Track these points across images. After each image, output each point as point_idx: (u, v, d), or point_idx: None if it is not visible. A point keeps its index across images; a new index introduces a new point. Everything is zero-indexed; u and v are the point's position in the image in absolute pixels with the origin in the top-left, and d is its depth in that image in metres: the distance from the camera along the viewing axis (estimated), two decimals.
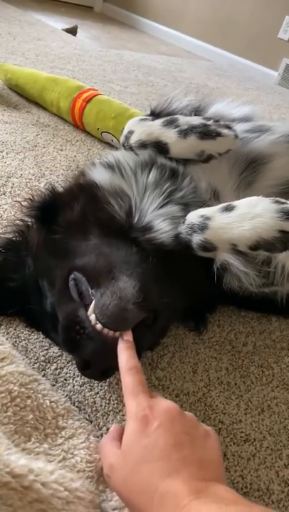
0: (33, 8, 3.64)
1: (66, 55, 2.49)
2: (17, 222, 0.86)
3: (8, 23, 2.85)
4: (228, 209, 0.72)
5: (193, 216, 0.75)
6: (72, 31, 3.19)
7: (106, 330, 0.63)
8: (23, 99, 1.71)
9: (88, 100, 1.53)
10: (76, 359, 0.69)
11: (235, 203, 0.72)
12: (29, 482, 0.45)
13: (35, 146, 1.41)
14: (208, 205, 0.77)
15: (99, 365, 0.65)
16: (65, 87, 1.59)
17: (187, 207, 0.80)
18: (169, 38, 4.31)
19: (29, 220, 0.85)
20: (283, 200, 0.68)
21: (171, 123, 0.85)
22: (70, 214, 0.81)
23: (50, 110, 1.65)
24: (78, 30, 3.29)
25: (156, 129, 0.85)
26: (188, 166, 0.85)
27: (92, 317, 0.64)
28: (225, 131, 0.82)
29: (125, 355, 0.61)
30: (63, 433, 0.62)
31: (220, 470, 0.53)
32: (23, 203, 0.87)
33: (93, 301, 0.65)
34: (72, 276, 0.71)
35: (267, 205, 0.68)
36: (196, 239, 0.73)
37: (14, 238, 0.84)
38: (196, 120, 0.84)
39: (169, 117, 0.86)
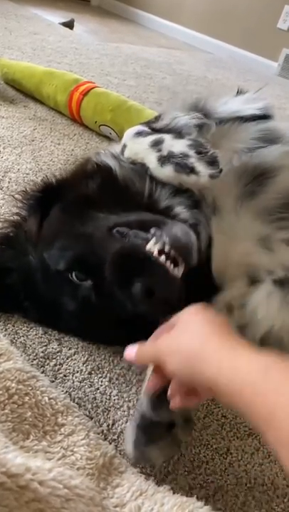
0: (29, 3, 3.60)
1: (63, 49, 2.46)
2: (12, 217, 0.85)
3: (4, 17, 2.83)
4: None
5: None
6: (69, 25, 3.16)
7: (168, 262, 0.65)
8: (20, 93, 1.69)
9: (85, 93, 1.51)
10: (140, 286, 0.65)
11: None
12: (26, 481, 0.44)
13: (33, 141, 1.39)
14: (205, 215, 0.78)
15: (163, 293, 0.65)
16: (61, 80, 1.57)
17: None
18: (168, 30, 4.27)
19: (24, 212, 0.84)
20: None
21: (156, 144, 0.79)
22: (85, 189, 0.82)
23: (47, 104, 1.63)
24: (75, 24, 3.25)
25: (143, 149, 0.80)
26: None
27: (156, 251, 0.65)
28: (201, 168, 0.75)
29: None
30: (62, 430, 0.61)
31: None
32: (16, 197, 0.85)
33: (153, 238, 0.67)
34: (115, 230, 0.72)
35: None
36: None
37: (11, 233, 0.83)
38: (178, 147, 0.77)
39: (157, 137, 0.80)
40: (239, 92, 0.93)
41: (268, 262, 0.76)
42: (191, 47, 3.91)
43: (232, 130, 0.85)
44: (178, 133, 0.81)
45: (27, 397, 0.61)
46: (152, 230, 0.70)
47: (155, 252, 0.65)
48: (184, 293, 0.71)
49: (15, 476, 0.44)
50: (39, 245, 0.77)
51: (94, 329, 0.75)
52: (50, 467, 0.49)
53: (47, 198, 0.83)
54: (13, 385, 0.61)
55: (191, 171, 0.75)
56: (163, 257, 0.65)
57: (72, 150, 1.40)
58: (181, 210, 0.78)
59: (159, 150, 0.78)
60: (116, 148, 0.88)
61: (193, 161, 0.75)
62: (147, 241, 0.67)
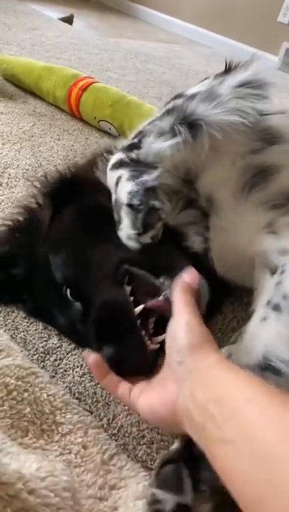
0: None
1: (62, 44, 2.45)
2: (27, 201, 0.82)
3: (3, 13, 2.81)
4: None
5: None
6: (69, 20, 3.14)
7: (146, 338, 0.62)
8: (19, 89, 1.68)
9: (84, 88, 1.50)
10: (105, 348, 0.63)
11: None
12: (15, 491, 0.45)
13: (32, 137, 1.39)
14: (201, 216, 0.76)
15: (131, 366, 0.62)
16: (60, 75, 1.56)
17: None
18: (168, 25, 4.25)
19: (40, 199, 0.82)
20: None
21: (116, 184, 0.72)
22: (101, 197, 0.77)
23: (46, 100, 1.63)
24: (74, 19, 3.24)
25: (112, 186, 0.74)
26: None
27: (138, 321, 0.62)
28: (124, 224, 0.68)
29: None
30: (60, 429, 0.61)
31: None
32: (35, 183, 0.83)
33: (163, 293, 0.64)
34: (123, 267, 0.68)
35: None
36: None
37: (23, 218, 0.81)
38: (124, 191, 0.69)
39: (119, 174, 0.72)
40: (229, 68, 0.79)
41: (276, 244, 0.73)
42: (190, 41, 3.90)
43: (229, 131, 0.75)
44: (146, 165, 0.71)
45: (26, 394, 0.62)
46: (162, 279, 0.66)
47: (138, 323, 0.62)
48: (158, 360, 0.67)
49: (5, 485, 0.44)
50: (47, 242, 0.75)
51: (79, 340, 0.75)
52: (44, 476, 0.49)
53: (62, 190, 0.81)
54: (12, 381, 0.61)
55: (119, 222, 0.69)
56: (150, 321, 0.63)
57: (72, 145, 1.40)
58: (187, 229, 0.76)
59: (115, 191, 0.71)
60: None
61: (123, 214, 0.68)
62: (153, 293, 0.65)
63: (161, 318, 0.64)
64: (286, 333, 0.64)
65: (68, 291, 0.70)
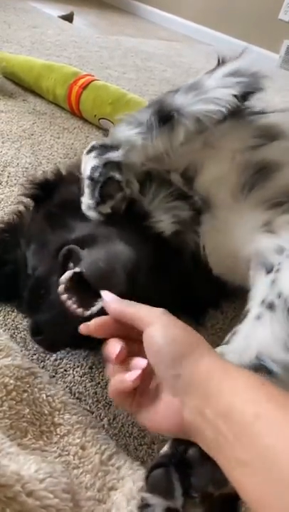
0: None
1: (62, 42, 2.44)
2: (16, 204, 0.86)
3: (3, 10, 2.80)
4: None
5: None
6: (69, 18, 3.13)
7: (70, 302, 0.60)
8: (19, 87, 1.67)
9: (84, 86, 1.49)
10: (30, 321, 0.68)
11: None
12: (14, 493, 0.44)
13: (32, 135, 1.38)
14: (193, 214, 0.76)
15: (50, 334, 0.63)
16: (60, 74, 1.56)
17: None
18: (168, 23, 4.23)
19: (28, 201, 0.85)
20: None
21: (89, 152, 0.76)
22: (68, 193, 0.80)
23: (46, 98, 1.62)
24: (75, 17, 3.23)
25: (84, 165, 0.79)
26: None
27: (61, 286, 0.61)
28: (85, 197, 0.73)
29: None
30: (58, 430, 0.61)
31: None
32: (25, 185, 0.86)
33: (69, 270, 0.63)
34: (66, 247, 0.68)
35: None
36: None
37: (12, 220, 0.83)
38: (89, 165, 0.73)
39: (89, 147, 0.77)
40: (221, 63, 0.79)
41: (273, 243, 0.73)
42: (191, 39, 3.88)
43: (231, 128, 0.77)
44: (113, 147, 0.74)
45: (25, 394, 0.61)
46: (85, 252, 0.65)
47: (60, 289, 0.61)
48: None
49: (4, 487, 0.44)
50: (24, 242, 0.77)
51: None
52: (42, 478, 0.48)
53: (45, 193, 0.83)
54: (12, 381, 0.61)
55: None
56: (65, 295, 0.60)
57: (72, 144, 1.39)
58: (164, 217, 0.76)
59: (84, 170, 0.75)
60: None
61: (85, 187, 0.73)
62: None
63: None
64: (280, 332, 0.63)
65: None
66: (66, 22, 3.03)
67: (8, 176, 1.15)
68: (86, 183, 0.73)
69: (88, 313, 0.59)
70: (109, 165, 0.71)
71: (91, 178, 0.71)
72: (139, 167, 0.75)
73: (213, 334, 0.87)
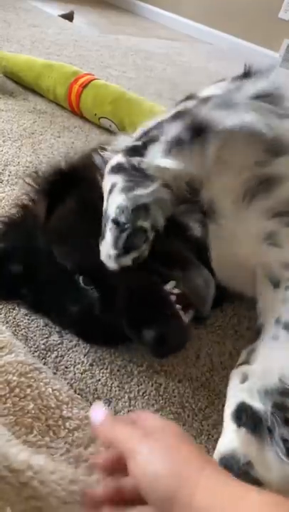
0: None
1: (63, 41, 2.45)
2: (20, 199, 0.83)
3: (3, 9, 2.80)
4: None
5: None
6: (69, 17, 3.13)
7: (181, 311, 0.66)
8: (20, 86, 1.68)
9: (85, 86, 1.50)
10: (145, 332, 0.63)
11: None
12: (27, 478, 0.45)
13: (32, 134, 1.39)
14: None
15: (174, 342, 0.66)
16: (60, 73, 1.56)
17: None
18: (168, 21, 4.23)
19: (33, 195, 0.83)
20: None
21: (110, 192, 0.67)
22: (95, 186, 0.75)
23: (46, 97, 1.62)
24: (75, 16, 3.22)
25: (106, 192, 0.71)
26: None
27: (174, 294, 0.67)
28: (106, 240, 0.64)
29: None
30: (67, 424, 0.61)
31: None
32: (27, 180, 0.84)
33: (171, 282, 0.68)
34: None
35: None
36: None
37: (18, 215, 0.82)
38: (114, 204, 0.65)
39: (114, 180, 0.67)
40: (248, 72, 0.73)
41: (279, 257, 0.72)
42: (191, 38, 3.88)
43: (244, 144, 0.71)
44: (144, 176, 0.64)
45: (29, 389, 0.61)
46: (175, 272, 0.69)
47: (173, 299, 0.66)
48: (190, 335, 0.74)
49: (16, 472, 0.44)
50: (48, 234, 0.75)
51: (89, 332, 0.75)
52: (52, 469, 0.49)
53: (57, 183, 0.80)
54: (15, 378, 0.61)
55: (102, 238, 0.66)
56: (179, 306, 0.67)
57: (73, 143, 1.40)
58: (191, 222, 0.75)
59: (107, 199, 0.66)
60: (119, 143, 0.81)
61: (107, 229, 0.64)
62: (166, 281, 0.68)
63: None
64: None
65: (81, 278, 0.70)
66: (66, 21, 3.03)
67: (8, 175, 1.15)
68: (109, 225, 0.63)
69: (190, 317, 0.68)
70: (138, 210, 0.62)
71: (116, 222, 0.62)
72: (170, 203, 0.68)
73: (213, 332, 0.87)
